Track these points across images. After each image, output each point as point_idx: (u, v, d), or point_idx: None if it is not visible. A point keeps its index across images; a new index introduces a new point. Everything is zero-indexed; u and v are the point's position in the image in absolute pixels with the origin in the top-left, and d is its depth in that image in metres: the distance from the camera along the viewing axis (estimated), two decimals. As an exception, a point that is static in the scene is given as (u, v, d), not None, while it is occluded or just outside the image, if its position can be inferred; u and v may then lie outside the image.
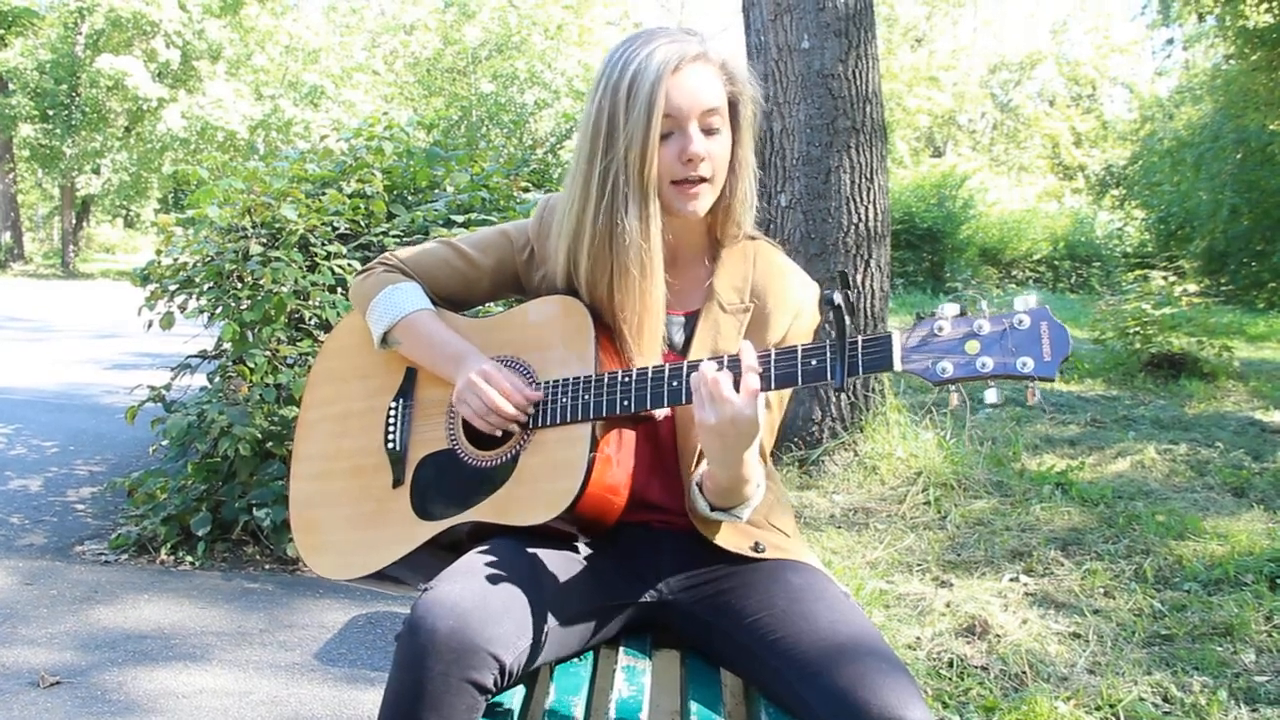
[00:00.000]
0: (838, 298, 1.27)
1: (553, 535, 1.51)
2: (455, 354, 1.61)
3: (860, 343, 1.32)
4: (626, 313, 1.55)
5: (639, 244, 1.51)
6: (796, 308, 1.61)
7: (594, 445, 1.47)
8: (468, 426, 1.59)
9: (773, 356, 1.37)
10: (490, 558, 1.42)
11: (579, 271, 1.57)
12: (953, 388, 1.31)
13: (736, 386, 1.33)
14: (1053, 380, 1.24)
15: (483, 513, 1.51)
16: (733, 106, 1.56)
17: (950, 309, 1.30)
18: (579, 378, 1.51)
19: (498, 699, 1.37)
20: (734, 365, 1.36)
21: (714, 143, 1.53)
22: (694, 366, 1.42)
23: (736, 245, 1.64)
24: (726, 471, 1.41)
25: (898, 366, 1.29)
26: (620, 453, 1.51)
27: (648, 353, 1.55)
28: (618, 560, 1.58)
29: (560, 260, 1.60)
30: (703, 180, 1.52)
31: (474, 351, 1.60)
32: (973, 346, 1.27)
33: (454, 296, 1.75)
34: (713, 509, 1.50)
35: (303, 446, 1.78)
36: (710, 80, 1.52)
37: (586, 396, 1.49)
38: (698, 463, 1.54)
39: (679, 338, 1.62)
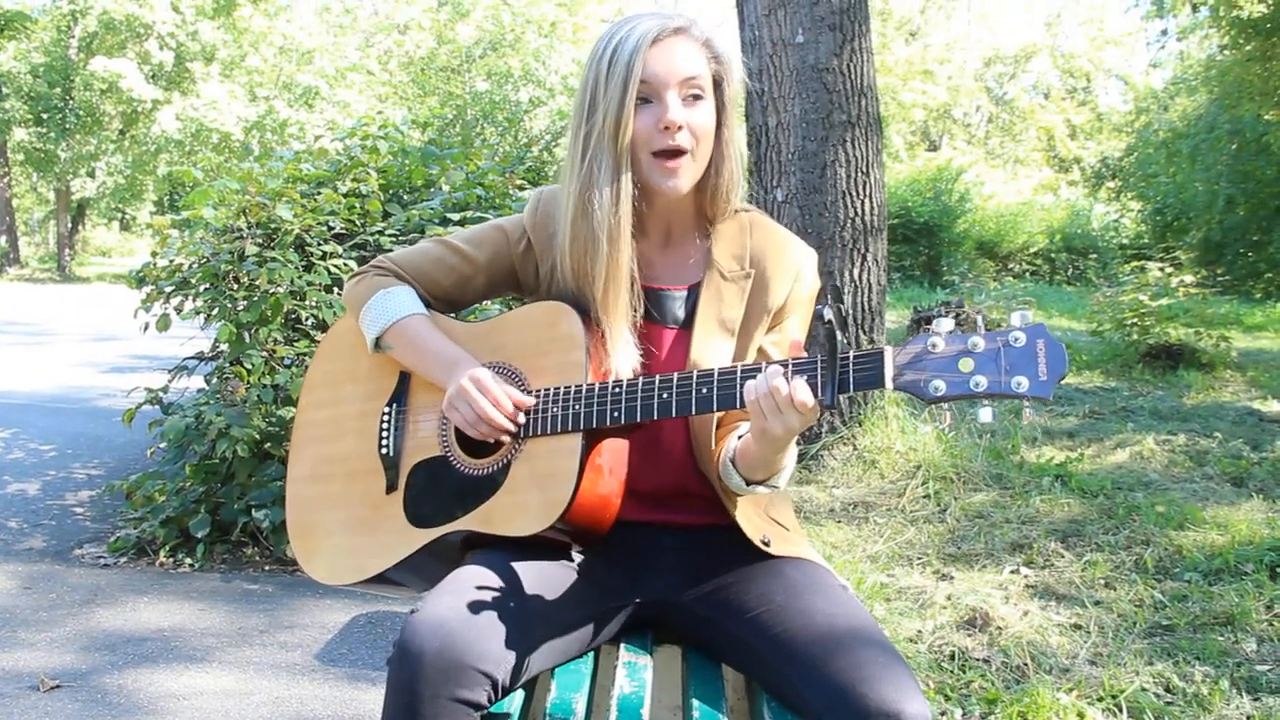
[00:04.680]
0: (828, 313, 1.26)
1: (547, 543, 1.49)
2: (447, 360, 1.59)
3: (851, 359, 1.30)
4: (595, 284, 1.54)
5: (609, 211, 1.51)
6: (796, 271, 1.61)
7: (584, 456, 1.45)
8: (460, 433, 1.57)
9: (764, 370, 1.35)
10: (479, 572, 1.41)
11: (569, 247, 1.56)
12: (945, 405, 1.29)
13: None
14: (1048, 400, 1.22)
15: (473, 522, 1.50)
16: (718, 85, 1.56)
17: (945, 324, 1.27)
18: (570, 387, 1.49)
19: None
20: (797, 370, 1.33)
21: (694, 113, 1.52)
22: (685, 378, 1.41)
23: (730, 218, 1.64)
24: (776, 452, 1.41)
25: (889, 385, 1.27)
26: (613, 461, 1.50)
27: (616, 326, 1.53)
28: (616, 562, 1.57)
29: (564, 242, 1.58)
30: (681, 152, 1.51)
31: (466, 357, 1.58)
32: (966, 365, 1.25)
33: (449, 295, 1.72)
34: (749, 483, 1.48)
35: (298, 450, 1.77)
36: (691, 52, 1.52)
37: (577, 407, 1.47)
38: (717, 454, 1.53)
39: (680, 313, 1.61)
